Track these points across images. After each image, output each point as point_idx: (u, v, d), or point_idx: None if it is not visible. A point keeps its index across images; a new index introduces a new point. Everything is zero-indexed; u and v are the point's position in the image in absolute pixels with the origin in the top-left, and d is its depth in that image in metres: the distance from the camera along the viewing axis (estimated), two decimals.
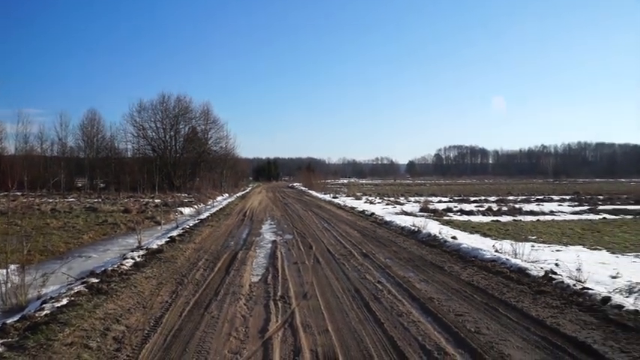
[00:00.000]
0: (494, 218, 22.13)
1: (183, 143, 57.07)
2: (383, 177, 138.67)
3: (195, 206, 27.42)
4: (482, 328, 5.98)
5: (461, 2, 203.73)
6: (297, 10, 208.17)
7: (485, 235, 15.68)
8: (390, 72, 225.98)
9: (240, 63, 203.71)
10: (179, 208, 25.95)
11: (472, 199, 35.70)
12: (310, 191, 54.60)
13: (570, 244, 13.87)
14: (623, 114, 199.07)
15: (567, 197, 37.45)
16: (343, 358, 5.07)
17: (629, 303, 6.71)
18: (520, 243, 11.40)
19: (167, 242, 13.30)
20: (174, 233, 15.14)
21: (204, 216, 22.06)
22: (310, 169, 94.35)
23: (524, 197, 37.33)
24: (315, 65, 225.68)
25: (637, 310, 6.32)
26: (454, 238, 13.59)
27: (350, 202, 34.10)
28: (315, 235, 15.37)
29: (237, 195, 47.71)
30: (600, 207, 28.14)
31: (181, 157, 55.89)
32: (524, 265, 9.49)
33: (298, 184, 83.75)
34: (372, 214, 23.16)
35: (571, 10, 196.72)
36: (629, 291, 7.30)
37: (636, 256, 12.05)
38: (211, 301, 7.43)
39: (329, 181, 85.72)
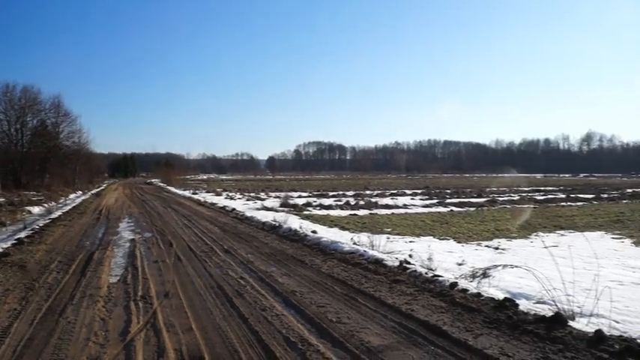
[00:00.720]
0: (352, 212, 22.99)
1: (31, 137, 52.74)
2: (243, 172, 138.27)
3: (46, 205, 25.55)
4: (343, 318, 6.22)
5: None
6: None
7: (343, 228, 16.27)
8: (253, 67, 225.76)
9: (94, 51, 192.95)
10: (27, 207, 24.07)
11: (331, 193, 36.81)
12: (169, 187, 53.19)
13: (422, 235, 14.83)
14: (468, 115, 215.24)
15: (419, 191, 39.83)
16: (209, 355, 5.04)
17: (472, 287, 7.38)
18: (377, 235, 11.99)
19: (14, 244, 12.29)
20: (22, 235, 14.02)
21: (55, 215, 20.65)
22: (169, 165, 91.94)
23: (379, 192, 39.08)
24: (175, 58, 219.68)
25: (479, 293, 6.98)
26: (314, 232, 13.97)
27: (210, 198, 33.70)
28: (175, 233, 15.03)
29: (92, 192, 45.14)
30: (448, 200, 30.31)
31: (29, 152, 51.63)
32: (380, 256, 10.01)
33: (157, 180, 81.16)
34: (233, 209, 23.11)
35: (403, 19, 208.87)
36: (473, 276, 8.00)
37: (478, 245, 13.19)
38: (66, 305, 7.01)
39: (189, 177, 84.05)
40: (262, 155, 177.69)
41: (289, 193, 35.54)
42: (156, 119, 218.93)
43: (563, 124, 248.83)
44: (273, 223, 16.29)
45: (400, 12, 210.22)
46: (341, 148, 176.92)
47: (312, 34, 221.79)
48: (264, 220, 17.53)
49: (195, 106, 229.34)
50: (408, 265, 8.99)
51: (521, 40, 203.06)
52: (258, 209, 24.05)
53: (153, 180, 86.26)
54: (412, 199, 32.00)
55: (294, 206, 25.20)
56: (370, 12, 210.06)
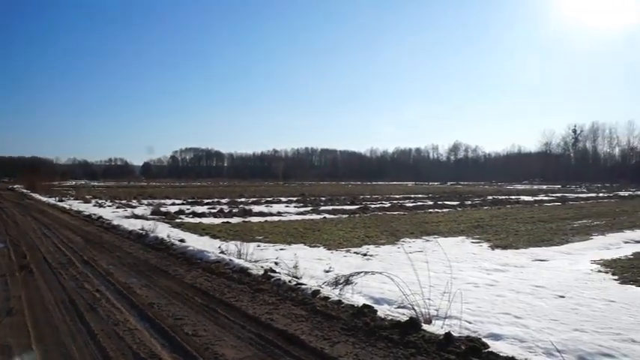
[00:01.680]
0: (225, 220, 22.60)
1: None
2: (117, 179, 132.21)
3: None
4: (199, 331, 5.98)
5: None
6: None
7: (214, 236, 15.90)
8: (128, 72, 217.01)
9: None
10: None
11: (205, 201, 36.04)
12: (33, 194, 49.43)
13: (294, 243, 14.82)
14: (341, 124, 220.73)
15: (294, 199, 40.07)
16: None
17: (334, 294, 7.40)
18: (246, 243, 11.80)
19: None
20: None
21: None
22: (34, 170, 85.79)
23: (255, 199, 38.87)
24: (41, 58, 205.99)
25: (340, 300, 7.00)
26: (182, 240, 13.51)
27: (77, 205, 31.70)
28: (31, 243, 13.89)
29: None
30: (322, 207, 30.73)
31: None
32: (246, 264, 9.83)
33: (19, 186, 75.36)
34: (100, 217, 21.88)
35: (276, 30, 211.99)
36: (335, 283, 8.05)
37: (347, 251, 13.39)
38: None
39: (56, 183, 78.94)
40: (137, 161, 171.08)
41: (162, 201, 34.36)
42: (21, 117, 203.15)
43: (433, 134, 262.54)
44: (141, 231, 15.59)
45: (261, 21, 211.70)
46: (219, 155, 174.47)
47: (184, 37, 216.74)
48: (131, 228, 16.72)
49: (69, 107, 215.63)
50: (272, 274, 8.87)
51: (395, 55, 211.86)
52: (127, 217, 22.93)
53: (15, 186, 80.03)
54: (287, 206, 32.09)
55: (166, 214, 24.34)
56: (234, 18, 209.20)
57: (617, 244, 15.15)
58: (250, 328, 6.07)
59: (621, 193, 54.53)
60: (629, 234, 17.49)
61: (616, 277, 10.16)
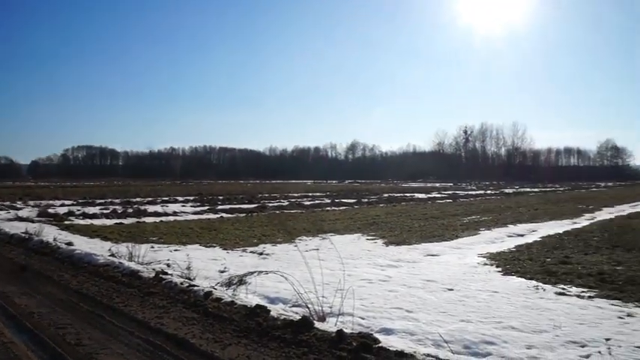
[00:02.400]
0: (118, 221, 21.67)
1: None
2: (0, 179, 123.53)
3: None
4: (83, 339, 5.63)
5: None
6: None
7: (106, 238, 15.19)
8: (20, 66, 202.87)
9: None
10: None
11: (98, 201, 34.38)
12: None
13: (189, 243, 14.45)
14: (239, 123, 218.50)
15: (191, 198, 39.16)
16: None
17: (227, 295, 7.24)
18: (138, 245, 11.39)
19: None
20: None
21: None
22: None
23: (150, 199, 37.57)
24: None
25: (233, 301, 6.85)
26: (70, 244, 12.77)
27: None
28: None
29: None
30: (220, 206, 30.22)
31: None
32: (137, 267, 9.42)
33: None
34: None
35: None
36: (229, 283, 7.88)
37: (243, 251, 13.23)
38: None
39: None
40: (24, 159, 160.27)
41: (51, 202, 32.45)
42: None
43: (332, 133, 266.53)
44: (24, 235, 14.59)
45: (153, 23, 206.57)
46: (113, 154, 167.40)
47: (67, 34, 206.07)
48: (13, 232, 15.60)
49: None
50: (164, 276, 8.56)
51: (291, 56, 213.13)
52: (9, 220, 21.37)
53: None
54: (183, 205, 31.28)
55: (54, 216, 22.93)
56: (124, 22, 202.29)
57: (502, 238, 16.04)
58: (139, 334, 5.79)
59: (506, 191, 57.99)
60: (512, 228, 18.59)
61: (500, 269, 10.72)
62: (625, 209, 29.28)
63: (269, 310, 6.38)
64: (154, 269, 9.27)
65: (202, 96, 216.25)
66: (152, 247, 12.90)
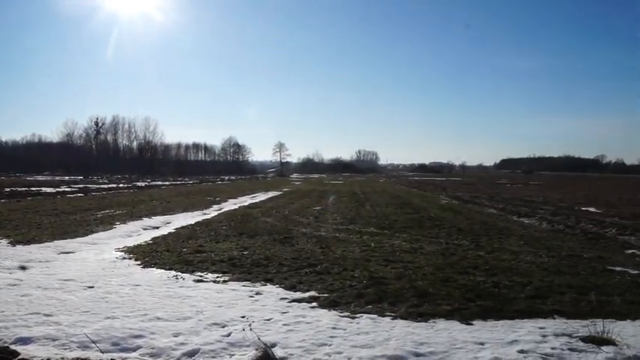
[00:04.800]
0: None
1: None
2: None
3: None
4: None
5: None
6: None
7: None
8: None
9: None
10: None
11: None
12: None
13: None
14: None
15: None
16: None
17: None
18: None
19: None
20: None
21: None
22: None
23: None
24: None
25: None
26: None
27: None
28: None
29: None
30: None
31: None
32: None
33: None
34: None
35: None
36: None
37: None
38: None
39: None
40: None
41: None
42: None
43: None
44: None
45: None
46: None
47: None
48: None
49: None
50: None
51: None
52: None
53: None
54: None
55: None
56: None
57: (138, 232, 16.15)
58: None
59: (139, 184, 58.02)
60: (147, 221, 18.86)
61: (139, 262, 10.83)
62: (246, 200, 32.39)
63: None
64: None
65: None
66: None
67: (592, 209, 25.12)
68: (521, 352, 5.53)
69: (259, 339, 5.60)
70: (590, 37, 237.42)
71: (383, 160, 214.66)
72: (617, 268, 10.39)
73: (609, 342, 5.73)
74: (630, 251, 12.78)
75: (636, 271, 10.13)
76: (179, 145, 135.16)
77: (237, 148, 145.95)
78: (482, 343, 5.79)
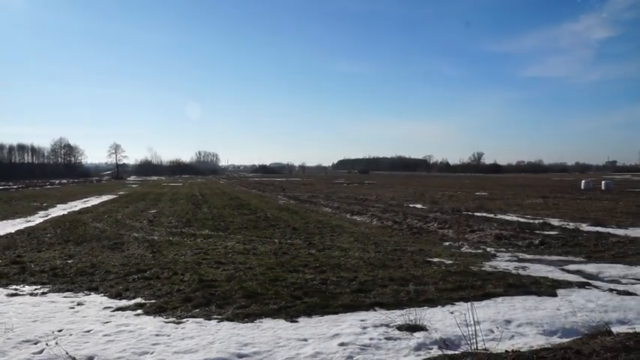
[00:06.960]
0: None
1: None
2: None
3: None
4: None
5: None
6: None
7: None
8: None
9: None
10: None
11: None
12: None
13: None
14: None
15: None
16: None
17: None
18: None
19: None
20: None
21: None
22: None
23: None
24: None
25: None
26: None
27: None
28: None
29: None
30: None
31: None
32: None
33: None
34: None
35: None
36: None
37: None
38: None
39: None
40: None
41: None
42: None
43: None
44: None
45: None
46: None
47: None
48: None
49: None
50: None
51: None
52: None
53: None
54: None
55: None
56: None
57: None
58: None
59: None
60: None
61: None
62: (77, 205, 30.49)
63: None
64: None
65: None
66: None
67: (419, 205, 26.93)
68: (342, 344, 5.71)
69: (67, 353, 5.20)
70: (419, 48, 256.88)
71: (224, 162, 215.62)
72: (435, 259, 11.20)
73: (421, 328, 6.15)
74: (447, 243, 13.84)
75: (450, 261, 11.00)
76: (1, 147, 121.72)
77: (70, 149, 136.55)
78: (305, 339, 5.91)
